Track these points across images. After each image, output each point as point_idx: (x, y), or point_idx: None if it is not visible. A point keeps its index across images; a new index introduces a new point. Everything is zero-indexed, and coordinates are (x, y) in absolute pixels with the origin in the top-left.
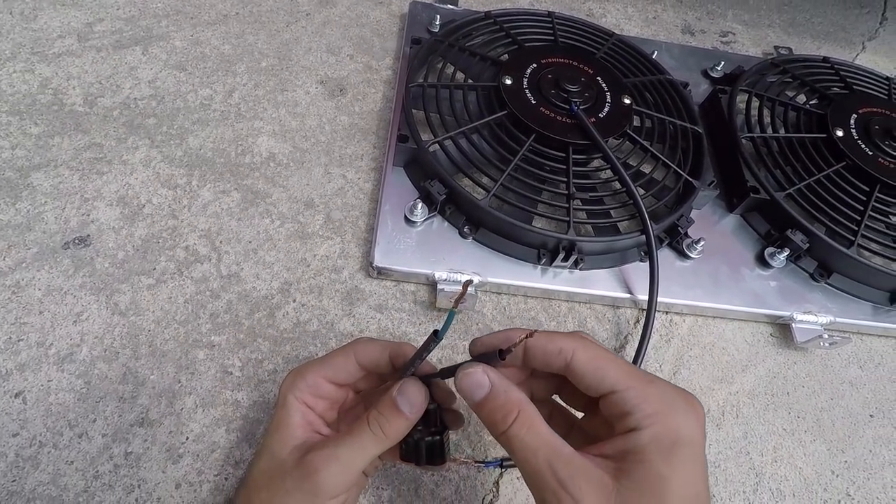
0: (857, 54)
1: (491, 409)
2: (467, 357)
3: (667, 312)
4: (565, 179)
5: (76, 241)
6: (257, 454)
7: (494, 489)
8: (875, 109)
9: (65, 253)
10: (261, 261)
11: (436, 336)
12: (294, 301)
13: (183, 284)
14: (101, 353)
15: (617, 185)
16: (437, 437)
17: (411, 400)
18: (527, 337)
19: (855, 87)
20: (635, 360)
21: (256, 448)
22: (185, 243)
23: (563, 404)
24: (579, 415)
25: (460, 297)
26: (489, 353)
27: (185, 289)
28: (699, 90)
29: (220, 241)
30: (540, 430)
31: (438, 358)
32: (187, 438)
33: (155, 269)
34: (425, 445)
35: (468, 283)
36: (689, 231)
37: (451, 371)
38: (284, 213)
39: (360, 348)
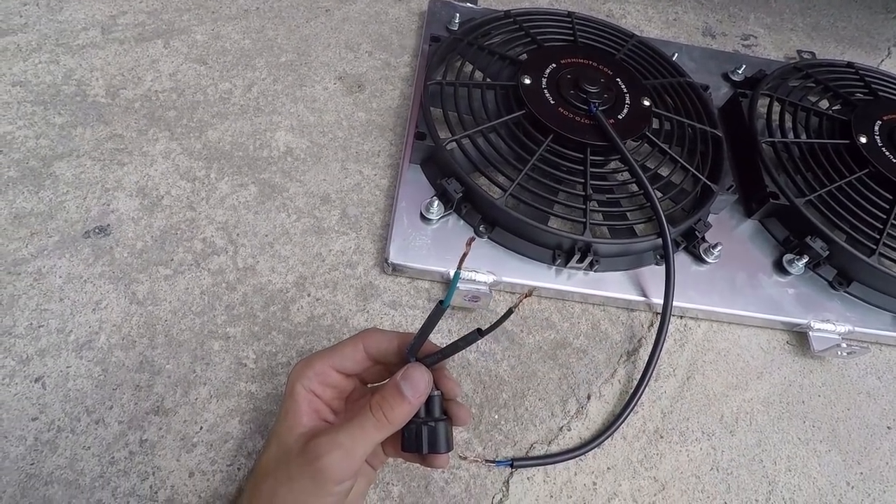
0: (883, 60)
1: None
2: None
3: (681, 317)
4: (582, 181)
5: (96, 231)
6: (266, 443)
7: (504, 489)
8: None
9: (85, 242)
10: (276, 254)
11: (441, 305)
12: (309, 295)
13: (200, 276)
14: (119, 342)
15: (634, 187)
16: (440, 424)
17: (415, 384)
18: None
19: (880, 93)
20: (648, 364)
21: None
22: (203, 235)
23: None
24: None
25: (464, 257)
26: (470, 335)
27: (201, 280)
28: (719, 94)
29: (237, 234)
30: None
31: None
32: (201, 428)
33: (172, 259)
34: (427, 431)
35: (471, 239)
36: (707, 235)
37: (453, 349)
38: (301, 207)
39: (368, 338)
